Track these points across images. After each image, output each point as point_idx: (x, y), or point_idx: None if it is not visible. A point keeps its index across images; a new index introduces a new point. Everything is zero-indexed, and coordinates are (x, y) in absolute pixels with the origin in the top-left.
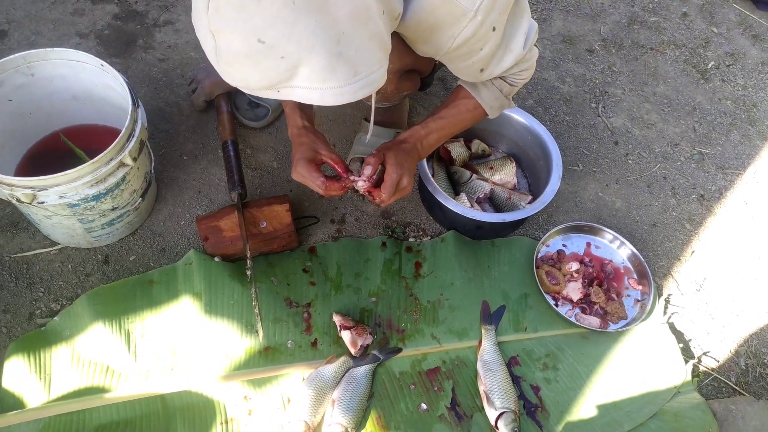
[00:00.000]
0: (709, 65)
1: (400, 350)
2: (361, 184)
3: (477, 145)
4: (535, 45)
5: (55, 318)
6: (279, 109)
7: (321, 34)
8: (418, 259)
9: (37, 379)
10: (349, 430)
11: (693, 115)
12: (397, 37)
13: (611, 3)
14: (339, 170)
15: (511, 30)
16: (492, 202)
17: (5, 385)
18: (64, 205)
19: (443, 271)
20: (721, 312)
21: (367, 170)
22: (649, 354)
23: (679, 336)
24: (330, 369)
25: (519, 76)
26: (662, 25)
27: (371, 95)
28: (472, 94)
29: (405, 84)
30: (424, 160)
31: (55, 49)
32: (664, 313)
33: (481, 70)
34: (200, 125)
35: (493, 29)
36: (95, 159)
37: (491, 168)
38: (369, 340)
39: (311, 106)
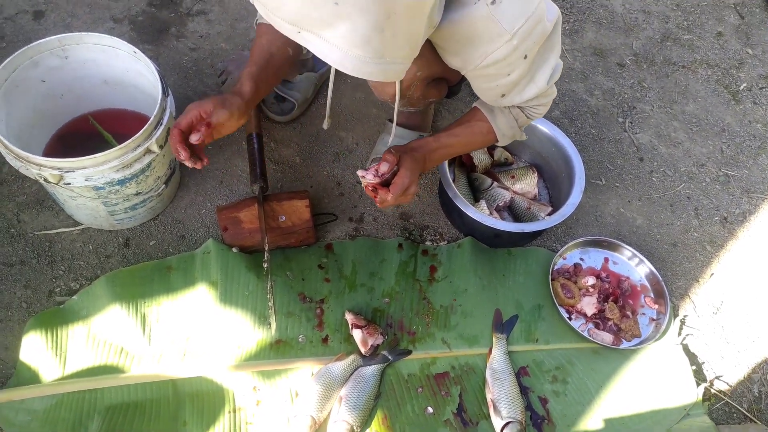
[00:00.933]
0: (741, 87)
1: (410, 352)
2: (371, 178)
3: (500, 153)
4: (564, 57)
5: (74, 297)
6: (305, 104)
7: (380, 3)
8: (434, 263)
9: (53, 356)
10: (354, 428)
11: (721, 136)
12: (428, 45)
13: (645, 18)
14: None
15: (540, 62)
16: (511, 211)
17: (23, 358)
18: (90, 187)
19: (458, 277)
20: (737, 337)
21: (384, 167)
22: (661, 374)
23: (692, 358)
24: (339, 366)
25: (536, 110)
26: (696, 43)
27: (396, 97)
28: (488, 118)
29: (431, 91)
30: (446, 164)
31: (90, 33)
32: (679, 334)
33: (503, 96)
34: None
35: (525, 57)
36: (123, 144)
37: (513, 177)
38: (380, 340)
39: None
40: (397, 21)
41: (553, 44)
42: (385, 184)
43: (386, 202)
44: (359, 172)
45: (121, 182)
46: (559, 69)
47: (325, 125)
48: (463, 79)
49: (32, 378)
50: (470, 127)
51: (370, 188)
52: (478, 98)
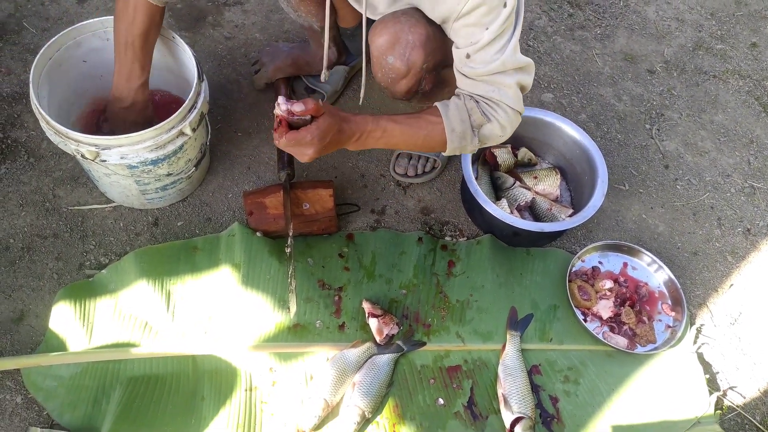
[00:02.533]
0: None
1: (424, 344)
2: (282, 109)
3: (524, 153)
4: (594, 61)
5: (103, 271)
6: (334, 96)
7: None
8: (452, 258)
9: (81, 326)
10: (366, 413)
11: (749, 147)
12: (426, 33)
13: (678, 26)
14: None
15: (513, 31)
16: (532, 211)
17: (52, 326)
18: (124, 165)
19: (475, 273)
20: (753, 348)
21: (297, 106)
22: (674, 381)
23: (706, 367)
24: (354, 353)
25: (493, 109)
26: (728, 53)
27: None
28: (441, 112)
29: (442, 79)
30: (469, 161)
31: None
32: (694, 342)
33: (467, 56)
34: (257, 105)
35: (504, 5)
36: (158, 126)
37: (535, 177)
38: (395, 330)
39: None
40: None
41: (519, 21)
42: (294, 127)
43: (277, 142)
44: (280, 99)
45: (154, 162)
46: (530, 64)
47: (361, 102)
48: None
49: (60, 346)
50: (417, 119)
51: (277, 120)
52: None
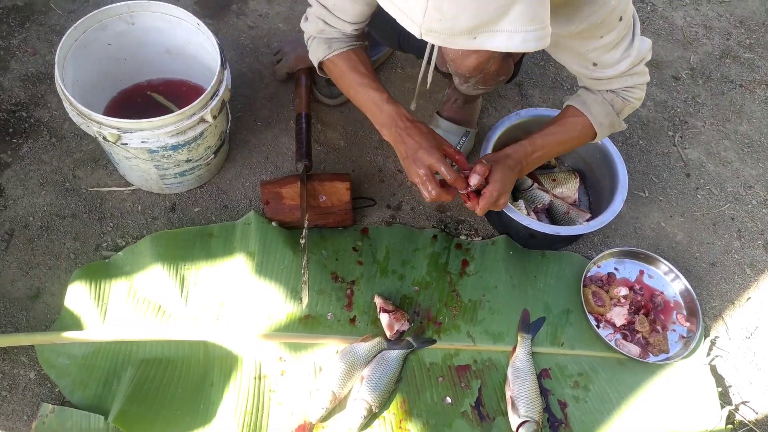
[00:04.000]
0: None
1: (434, 342)
2: (472, 187)
3: None
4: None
5: (119, 253)
6: None
7: None
8: (466, 257)
9: (95, 306)
10: (373, 408)
11: None
12: None
13: (706, 33)
14: (461, 164)
15: (630, 29)
16: (549, 213)
17: (67, 305)
18: (145, 149)
19: (489, 273)
20: None
21: (474, 179)
22: (685, 392)
23: (719, 380)
24: (364, 347)
25: (631, 92)
26: (756, 62)
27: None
28: (582, 110)
29: (504, 67)
30: None
31: (156, 2)
32: (708, 354)
33: (594, 64)
34: (277, 95)
35: (620, 19)
36: (180, 111)
37: (554, 180)
38: (406, 326)
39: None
40: None
41: (637, 25)
42: (478, 191)
43: (477, 211)
44: (472, 178)
45: (174, 147)
46: (649, 45)
47: (413, 106)
48: (520, 62)
49: (74, 325)
50: (564, 125)
51: (465, 194)
52: (567, 97)
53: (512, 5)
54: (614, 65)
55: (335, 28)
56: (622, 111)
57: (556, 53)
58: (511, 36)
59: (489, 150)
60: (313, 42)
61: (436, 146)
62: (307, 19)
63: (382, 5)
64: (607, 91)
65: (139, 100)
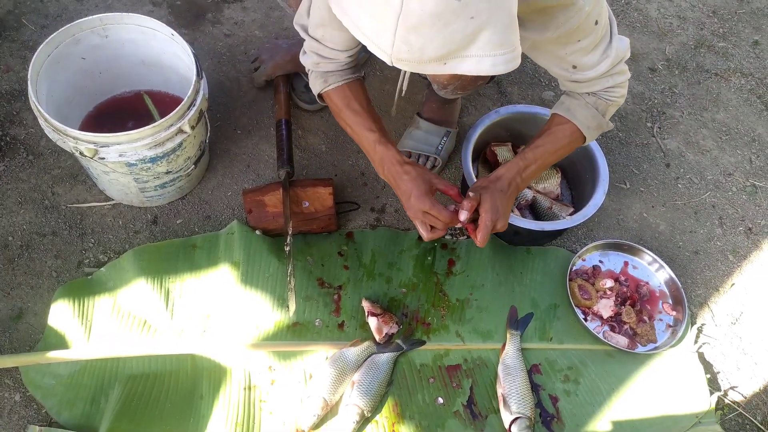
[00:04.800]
0: None
1: (423, 343)
2: (464, 223)
3: None
4: None
5: (102, 269)
6: None
7: None
8: (452, 257)
9: (80, 324)
10: (365, 412)
11: (751, 146)
12: None
13: (680, 24)
14: (455, 197)
15: (610, 31)
16: (533, 209)
17: (51, 324)
18: (123, 163)
19: (475, 272)
20: (754, 348)
21: (462, 216)
22: (674, 380)
23: (707, 366)
24: (353, 351)
25: (612, 92)
26: (730, 51)
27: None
28: (567, 117)
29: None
30: (469, 160)
31: (130, 14)
32: (695, 341)
33: (574, 67)
34: (256, 102)
35: (596, 23)
36: (157, 123)
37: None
38: (394, 329)
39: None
40: (513, 7)
41: (613, 20)
42: (475, 221)
43: (477, 243)
44: (462, 214)
45: (153, 160)
46: (627, 43)
47: (393, 112)
48: None
49: (59, 344)
50: (553, 134)
51: (464, 228)
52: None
53: (479, 33)
54: (594, 67)
55: (330, 59)
56: (606, 111)
57: (537, 57)
58: (480, 60)
59: (470, 149)
60: (311, 75)
61: (426, 192)
62: (305, 52)
63: (353, 34)
64: (589, 94)
65: (116, 114)
